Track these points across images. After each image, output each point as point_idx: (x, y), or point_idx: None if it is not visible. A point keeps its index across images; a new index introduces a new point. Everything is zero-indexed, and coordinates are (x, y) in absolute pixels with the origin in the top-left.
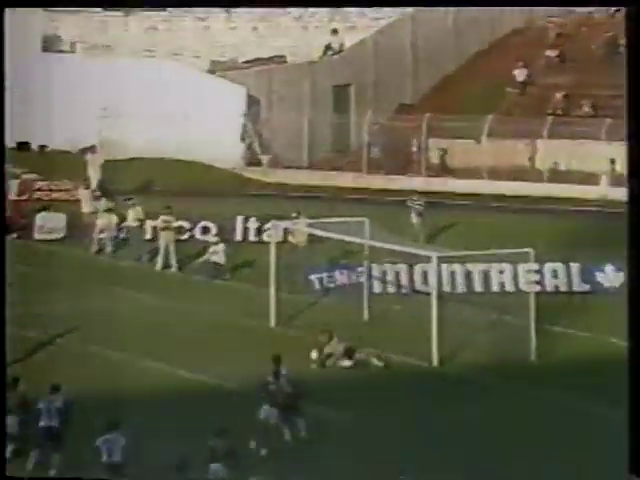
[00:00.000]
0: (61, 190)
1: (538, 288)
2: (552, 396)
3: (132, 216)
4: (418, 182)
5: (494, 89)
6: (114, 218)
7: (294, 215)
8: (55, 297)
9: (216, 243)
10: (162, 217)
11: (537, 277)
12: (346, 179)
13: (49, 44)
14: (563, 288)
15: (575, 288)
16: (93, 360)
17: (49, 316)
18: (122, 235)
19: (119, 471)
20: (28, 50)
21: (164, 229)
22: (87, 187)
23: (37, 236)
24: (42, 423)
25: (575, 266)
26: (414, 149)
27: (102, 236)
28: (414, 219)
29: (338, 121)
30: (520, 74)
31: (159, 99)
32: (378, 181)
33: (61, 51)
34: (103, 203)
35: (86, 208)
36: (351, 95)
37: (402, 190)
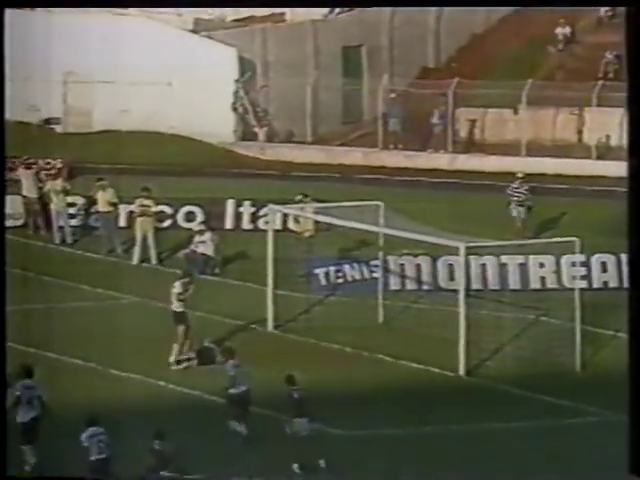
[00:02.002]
0: (13, 169)
1: (584, 284)
2: (599, 414)
3: (103, 199)
4: (443, 160)
5: (533, 50)
6: (78, 201)
7: (299, 198)
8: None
9: (203, 232)
10: (139, 201)
11: (583, 271)
12: (357, 156)
13: None
14: (613, 284)
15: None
16: (59, 369)
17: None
18: (92, 222)
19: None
20: None
21: (141, 215)
22: (29, 166)
23: None
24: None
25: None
26: (438, 120)
27: (62, 224)
28: (514, 211)
29: (348, 88)
30: (564, 32)
31: (134, 63)
32: (395, 158)
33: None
34: (57, 183)
35: (28, 191)
36: (363, 58)
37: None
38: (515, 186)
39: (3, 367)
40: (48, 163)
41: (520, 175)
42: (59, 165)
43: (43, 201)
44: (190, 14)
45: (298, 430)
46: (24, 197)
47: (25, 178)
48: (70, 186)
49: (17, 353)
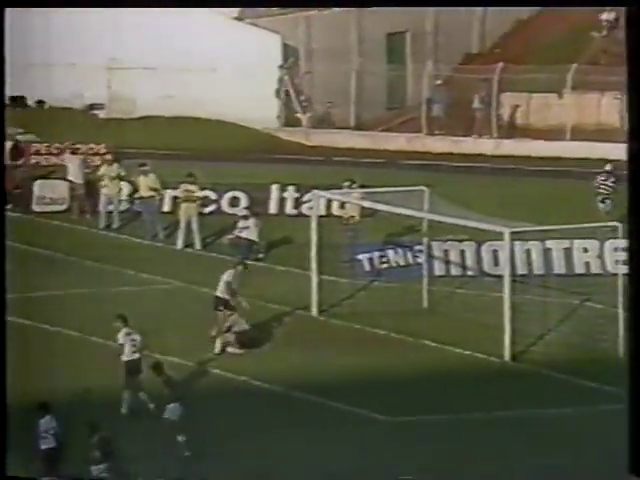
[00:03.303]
0: (61, 154)
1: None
2: None
3: (144, 185)
4: (487, 145)
5: (577, 35)
6: (125, 187)
7: (347, 184)
8: (58, 280)
9: (247, 217)
10: (183, 186)
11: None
12: (401, 142)
13: None
14: None
15: None
16: (101, 354)
17: (51, 302)
18: (134, 207)
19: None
20: None
21: (186, 200)
22: (75, 152)
23: (36, 208)
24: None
25: None
26: (482, 105)
27: (110, 208)
28: (600, 205)
29: (392, 74)
30: (609, 16)
31: (178, 49)
32: (439, 144)
33: None
34: (112, 169)
35: (74, 176)
36: (407, 44)
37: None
38: (602, 179)
39: (3, 367)
40: (91, 148)
41: (608, 168)
42: (111, 151)
43: (90, 186)
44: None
45: (170, 415)
46: (70, 182)
47: (71, 163)
48: (125, 172)
49: (61, 336)
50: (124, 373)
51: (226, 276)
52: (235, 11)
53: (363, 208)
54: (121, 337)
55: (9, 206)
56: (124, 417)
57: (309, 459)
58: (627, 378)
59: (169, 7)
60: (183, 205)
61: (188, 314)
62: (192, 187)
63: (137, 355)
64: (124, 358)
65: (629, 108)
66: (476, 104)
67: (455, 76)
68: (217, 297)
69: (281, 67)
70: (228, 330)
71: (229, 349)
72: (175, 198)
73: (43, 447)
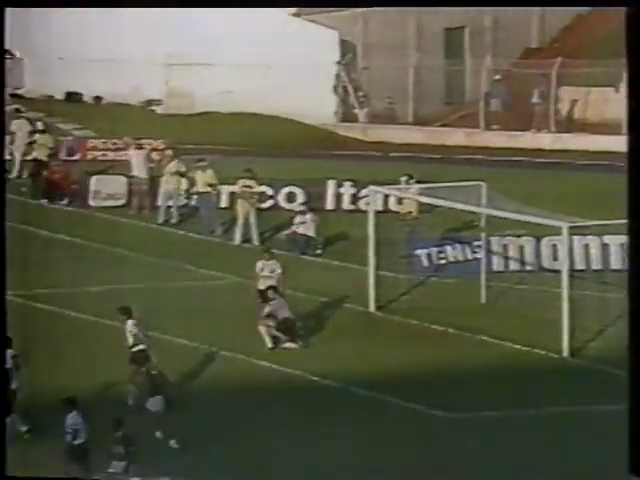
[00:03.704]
0: (120, 149)
1: None
2: None
3: (202, 180)
4: (546, 139)
5: None
6: (183, 183)
7: (405, 180)
8: (115, 275)
9: (304, 212)
10: (241, 181)
11: None
12: (459, 137)
13: None
14: None
15: None
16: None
17: (107, 296)
18: (192, 203)
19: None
20: None
21: (243, 196)
22: (140, 147)
23: (93, 203)
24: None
25: None
26: (540, 100)
27: (170, 204)
28: None
29: (450, 69)
30: None
31: (236, 45)
32: (498, 138)
33: None
34: (172, 165)
35: (138, 171)
36: (466, 39)
37: None
38: None
39: (3, 364)
40: (149, 144)
41: None
42: (170, 147)
43: (151, 181)
44: None
45: (152, 407)
46: (132, 177)
47: (135, 158)
48: (185, 168)
49: (120, 331)
50: (130, 364)
51: (257, 268)
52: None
53: (421, 203)
54: (129, 328)
55: (65, 201)
56: (130, 408)
57: (366, 455)
58: (627, 378)
59: (168, 7)
60: (241, 201)
61: (244, 309)
62: (250, 182)
63: (143, 346)
64: (132, 350)
65: (629, 108)
66: (535, 99)
67: (514, 71)
68: (259, 290)
69: (338, 63)
70: (268, 316)
71: (283, 344)
72: (232, 194)
73: (68, 442)
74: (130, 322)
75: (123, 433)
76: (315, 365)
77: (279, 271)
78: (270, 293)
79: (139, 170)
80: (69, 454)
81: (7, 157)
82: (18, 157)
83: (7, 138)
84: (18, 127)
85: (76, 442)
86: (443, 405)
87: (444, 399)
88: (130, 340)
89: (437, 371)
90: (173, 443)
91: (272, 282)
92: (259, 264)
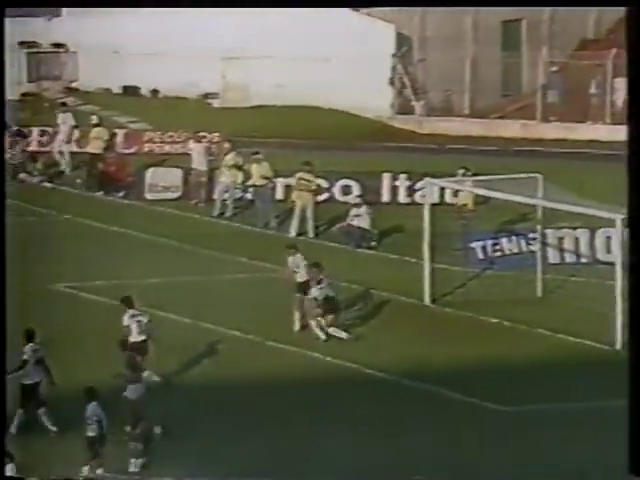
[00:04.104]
0: (176, 142)
1: None
2: None
3: (257, 173)
4: (602, 130)
5: None
6: (239, 176)
7: (461, 172)
8: (170, 267)
9: (359, 205)
10: (300, 174)
11: None
12: (515, 128)
13: None
14: None
15: None
16: (214, 342)
17: (162, 288)
18: (247, 195)
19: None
20: None
21: (302, 189)
22: (200, 140)
23: (148, 195)
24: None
25: None
26: (595, 91)
27: (225, 196)
28: None
29: (507, 61)
30: None
31: (292, 39)
32: (554, 130)
33: None
34: (229, 158)
35: (197, 164)
36: (523, 31)
37: None
38: None
39: (3, 365)
40: (204, 137)
41: None
42: (226, 139)
43: (209, 174)
44: None
45: (130, 395)
46: (191, 169)
47: (196, 151)
48: (242, 161)
49: (174, 323)
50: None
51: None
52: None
53: (477, 196)
54: (126, 319)
55: (121, 193)
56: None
57: (420, 448)
58: (627, 378)
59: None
60: (299, 193)
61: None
62: (308, 176)
63: (143, 337)
64: (131, 339)
65: (629, 107)
66: (593, 90)
67: (570, 62)
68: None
69: (394, 56)
70: (315, 299)
71: (331, 330)
72: (287, 186)
73: (87, 434)
74: (129, 312)
75: (142, 429)
76: (370, 358)
77: (304, 264)
78: (314, 272)
79: (199, 163)
80: (88, 445)
81: (53, 150)
82: (66, 150)
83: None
84: (63, 120)
85: (95, 433)
86: (497, 398)
87: (498, 392)
88: (134, 330)
89: (492, 364)
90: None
91: (302, 277)
92: (289, 259)
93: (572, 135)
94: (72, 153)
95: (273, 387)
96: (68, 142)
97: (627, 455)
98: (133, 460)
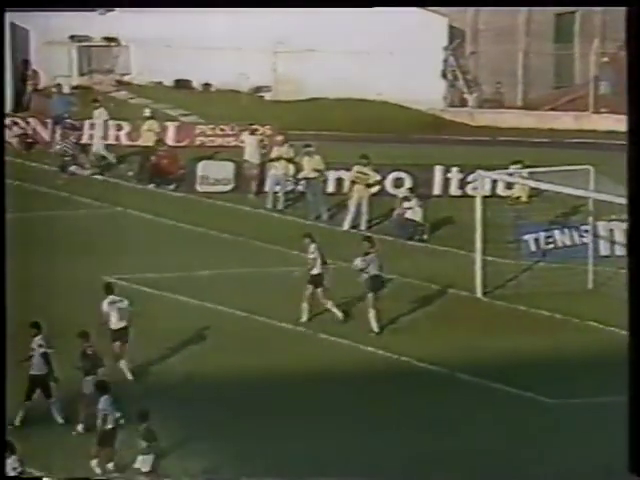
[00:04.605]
0: (228, 135)
1: None
2: None
3: (309, 166)
4: None
5: None
6: (291, 168)
7: (516, 166)
8: (222, 259)
9: (410, 198)
10: (357, 168)
11: None
12: (568, 120)
13: None
14: None
15: None
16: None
17: (215, 281)
18: (299, 188)
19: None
20: None
21: (358, 182)
22: (253, 132)
23: (200, 188)
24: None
25: None
26: None
27: (277, 189)
28: None
29: (559, 53)
30: None
31: (344, 31)
32: (606, 121)
33: None
34: (281, 150)
35: (250, 156)
36: (576, 23)
37: None
38: None
39: (3, 366)
40: (257, 129)
41: None
42: (278, 132)
43: (261, 167)
44: None
45: (84, 389)
46: (245, 162)
47: (249, 144)
48: (293, 154)
49: (227, 316)
50: (109, 341)
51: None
52: None
53: (530, 188)
54: (105, 305)
55: (172, 186)
56: None
57: (474, 441)
58: (627, 378)
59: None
60: (356, 187)
61: (349, 294)
62: (366, 169)
63: (124, 323)
64: (112, 326)
65: (629, 107)
66: None
67: (621, 53)
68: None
69: (446, 48)
70: (362, 270)
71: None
72: (339, 179)
73: (98, 427)
74: (109, 298)
75: (147, 427)
76: (421, 351)
77: (315, 254)
78: (366, 245)
79: (251, 155)
80: (99, 438)
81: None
82: (99, 144)
83: (87, 125)
84: (98, 116)
85: (105, 427)
86: (550, 391)
87: (551, 385)
88: (113, 317)
89: (544, 357)
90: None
91: (317, 269)
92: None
93: (624, 126)
94: (123, 146)
95: (325, 380)
96: (104, 138)
97: (627, 455)
98: (140, 457)
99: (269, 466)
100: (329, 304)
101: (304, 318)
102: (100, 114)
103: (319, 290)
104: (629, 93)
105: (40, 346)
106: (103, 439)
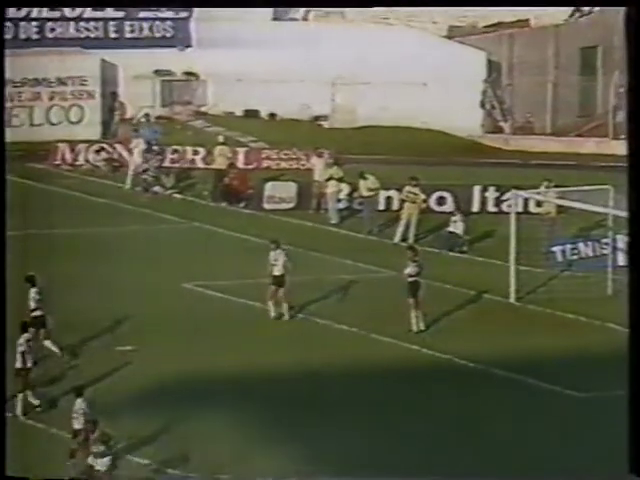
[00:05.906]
0: (291, 159)
1: None
2: None
3: (365, 186)
4: None
5: None
6: (345, 187)
7: (545, 184)
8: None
9: (453, 214)
10: (407, 188)
11: None
12: (590, 145)
13: (280, 13)
14: None
15: None
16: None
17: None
18: (355, 206)
19: None
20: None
21: (409, 201)
22: (320, 155)
23: (267, 206)
24: None
25: None
26: None
27: (335, 206)
28: None
29: (584, 85)
30: None
31: (395, 66)
32: (624, 147)
33: (293, 19)
34: (332, 171)
35: (319, 177)
36: (598, 57)
37: None
38: None
39: (3, 368)
40: (323, 153)
41: None
42: (335, 156)
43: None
44: (444, 22)
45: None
46: (314, 182)
47: (317, 165)
48: (343, 174)
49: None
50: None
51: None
52: (445, 30)
53: (559, 205)
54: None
55: (242, 204)
56: None
57: (512, 434)
58: (627, 378)
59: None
60: (407, 205)
61: (395, 301)
62: (415, 189)
63: (40, 312)
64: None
65: (629, 107)
66: None
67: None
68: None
69: (485, 80)
70: (411, 276)
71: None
72: (389, 198)
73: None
74: (33, 290)
75: (101, 432)
76: (461, 349)
77: (282, 260)
78: (410, 254)
79: (320, 175)
80: (74, 436)
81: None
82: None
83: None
84: (135, 145)
85: (77, 427)
86: (577, 386)
87: (577, 380)
88: (31, 305)
89: (570, 355)
90: None
91: (278, 270)
92: (271, 254)
93: None
94: (198, 169)
95: (370, 378)
96: (145, 162)
97: (627, 455)
98: (99, 461)
99: (336, 463)
100: (285, 306)
101: (272, 315)
102: (138, 143)
103: (281, 290)
104: (629, 93)
105: (28, 341)
106: (78, 437)
